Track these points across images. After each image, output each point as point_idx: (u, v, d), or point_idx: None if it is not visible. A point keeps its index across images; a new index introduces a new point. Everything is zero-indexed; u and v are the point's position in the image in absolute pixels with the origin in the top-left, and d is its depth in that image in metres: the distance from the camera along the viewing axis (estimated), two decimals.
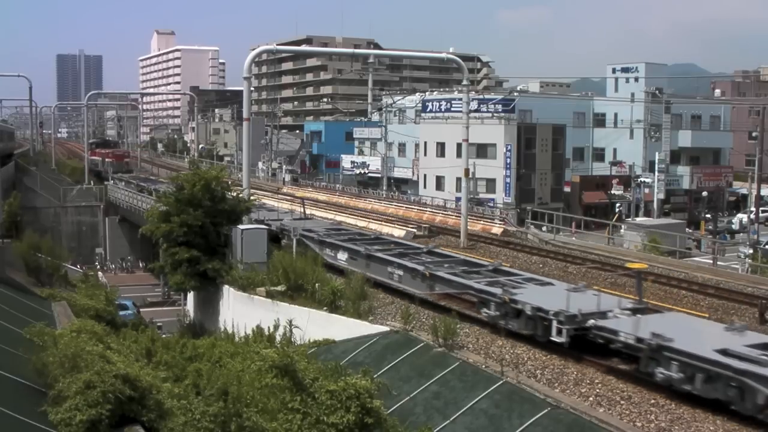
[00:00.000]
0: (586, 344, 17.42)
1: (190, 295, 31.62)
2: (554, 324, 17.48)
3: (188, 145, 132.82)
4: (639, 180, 60.72)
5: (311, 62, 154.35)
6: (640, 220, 52.11)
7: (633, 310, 18.13)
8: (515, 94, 71.93)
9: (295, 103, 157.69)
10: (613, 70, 79.58)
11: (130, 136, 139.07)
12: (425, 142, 70.29)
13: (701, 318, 20.17)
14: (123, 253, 60.27)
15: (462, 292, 21.69)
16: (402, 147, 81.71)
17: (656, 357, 15.45)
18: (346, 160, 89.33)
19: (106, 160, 75.88)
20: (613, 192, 64.56)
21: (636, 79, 75.16)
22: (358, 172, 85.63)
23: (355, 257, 25.96)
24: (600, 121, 75.43)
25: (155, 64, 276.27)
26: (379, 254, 24.91)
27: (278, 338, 19.96)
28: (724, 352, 14.84)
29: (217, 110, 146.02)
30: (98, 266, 52.92)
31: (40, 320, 16.46)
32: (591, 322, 17.08)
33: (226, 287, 26.58)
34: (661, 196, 65.16)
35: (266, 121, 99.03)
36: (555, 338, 17.46)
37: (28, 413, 11.15)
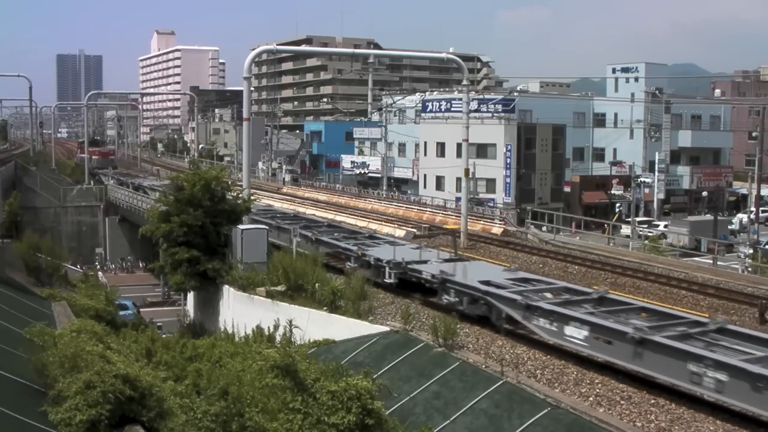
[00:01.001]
0: (409, 284, 23.46)
1: (190, 295, 31.62)
2: (387, 269, 23.73)
3: (188, 145, 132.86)
4: (639, 180, 60.73)
5: (311, 62, 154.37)
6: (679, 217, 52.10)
7: (447, 259, 24.48)
8: (515, 94, 71.94)
9: (295, 103, 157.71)
10: (613, 70, 79.61)
11: (130, 136, 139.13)
12: (425, 142, 70.33)
13: (496, 264, 26.98)
14: (123, 253, 60.26)
15: (336, 252, 28.22)
16: (402, 147, 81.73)
17: (443, 287, 21.16)
18: (346, 160, 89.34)
19: (93, 157, 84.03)
20: (613, 192, 64.58)
21: (636, 79, 75.19)
22: (358, 172, 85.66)
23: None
24: (600, 121, 75.45)
25: (155, 64, 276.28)
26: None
27: (278, 338, 19.96)
28: (486, 282, 20.28)
29: (217, 110, 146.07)
30: (98, 266, 52.89)
31: (40, 320, 16.45)
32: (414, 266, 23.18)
33: (226, 287, 26.58)
34: (661, 196, 65.22)
35: (266, 121, 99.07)
36: (387, 280, 23.78)
37: (28, 413, 11.14)
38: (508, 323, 18.93)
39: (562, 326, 17.07)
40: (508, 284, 20.33)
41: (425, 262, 23.62)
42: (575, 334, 16.70)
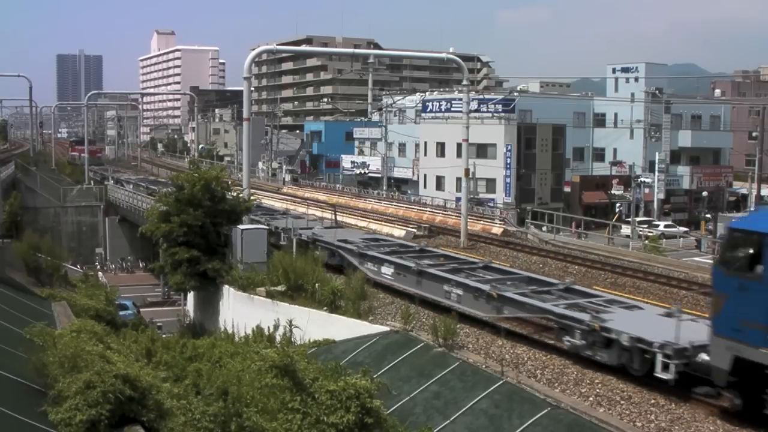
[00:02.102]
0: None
1: (190, 295, 31.63)
2: (282, 234, 32.10)
3: (188, 145, 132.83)
4: (639, 180, 60.71)
5: (311, 62, 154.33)
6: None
7: (326, 227, 33.45)
8: (515, 94, 71.94)
9: (295, 103, 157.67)
10: (613, 70, 79.59)
11: (130, 136, 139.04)
12: (425, 142, 70.32)
13: (360, 230, 35.40)
14: (123, 253, 60.26)
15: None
16: (402, 147, 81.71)
17: (314, 245, 29.36)
18: (346, 160, 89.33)
19: (82, 154, 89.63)
20: (613, 192, 64.55)
21: (636, 79, 75.16)
22: (358, 172, 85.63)
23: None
24: (600, 121, 75.42)
25: (155, 64, 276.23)
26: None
27: (278, 338, 19.96)
28: (343, 240, 28.51)
29: (217, 110, 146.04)
30: (98, 266, 52.88)
31: (40, 320, 16.45)
32: (298, 231, 31.07)
33: (226, 287, 26.58)
34: (661, 196, 65.19)
35: (266, 121, 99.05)
36: (282, 242, 31.43)
37: (28, 413, 11.14)
38: (349, 267, 26.12)
39: (379, 267, 24.89)
40: (360, 242, 28.08)
41: (309, 228, 32.16)
42: (386, 272, 24.50)
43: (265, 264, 26.50)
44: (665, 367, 15.01)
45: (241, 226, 27.82)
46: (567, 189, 66.78)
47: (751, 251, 13.92)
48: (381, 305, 23.26)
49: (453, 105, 64.71)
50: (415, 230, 38.82)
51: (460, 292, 20.74)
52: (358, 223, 41.51)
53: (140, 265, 57.99)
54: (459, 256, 26.83)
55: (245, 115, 32.85)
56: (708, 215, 59.49)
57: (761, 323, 13.21)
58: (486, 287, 19.77)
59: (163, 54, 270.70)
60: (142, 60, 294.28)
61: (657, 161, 65.08)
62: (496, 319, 19.88)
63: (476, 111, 58.70)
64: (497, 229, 40.40)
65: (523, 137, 62.56)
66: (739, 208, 70.68)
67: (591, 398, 15.66)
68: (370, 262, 25.52)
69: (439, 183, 67.21)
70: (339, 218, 37.30)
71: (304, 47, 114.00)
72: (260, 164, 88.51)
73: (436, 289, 21.76)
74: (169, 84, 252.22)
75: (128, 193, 59.37)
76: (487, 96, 69.75)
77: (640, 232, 49.28)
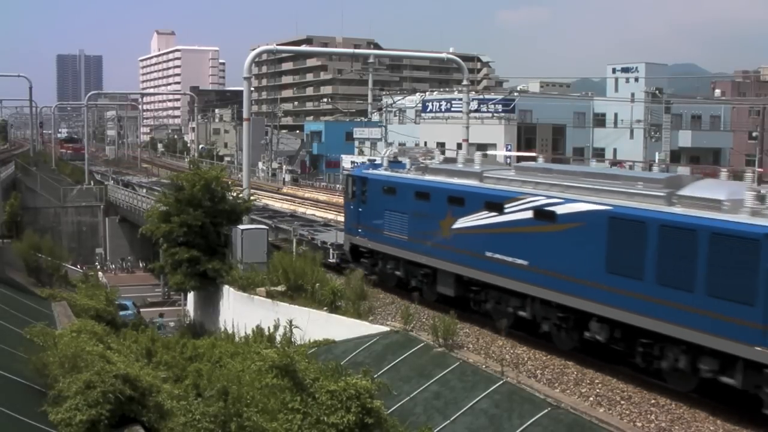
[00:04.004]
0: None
1: (190, 295, 31.64)
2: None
3: (188, 145, 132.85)
4: None
5: (311, 62, 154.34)
6: None
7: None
8: (515, 94, 71.90)
9: (295, 103, 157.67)
10: (613, 70, 79.54)
11: (130, 136, 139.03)
12: (425, 142, 70.26)
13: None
14: (123, 253, 60.28)
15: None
16: None
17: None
18: (346, 160, 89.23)
19: (68, 151, 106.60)
20: None
21: (636, 79, 75.11)
22: None
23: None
24: (600, 121, 75.37)
25: (155, 64, 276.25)
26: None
27: (278, 338, 19.96)
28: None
29: (217, 110, 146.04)
30: (98, 266, 52.91)
31: (40, 320, 16.47)
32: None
33: (226, 287, 26.59)
34: None
35: (266, 121, 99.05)
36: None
37: (28, 413, 11.15)
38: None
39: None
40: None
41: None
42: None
43: (265, 264, 26.50)
44: (333, 255, 28.87)
45: (241, 226, 27.82)
46: None
47: (357, 188, 26.21)
48: (381, 305, 23.27)
49: (453, 105, 64.72)
50: None
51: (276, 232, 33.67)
52: None
53: (140, 265, 58.02)
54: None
55: (245, 115, 32.86)
56: None
57: (355, 223, 26.34)
58: (271, 222, 34.71)
59: (163, 54, 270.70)
60: (142, 60, 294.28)
61: (657, 161, 65.08)
62: (276, 240, 32.58)
63: (476, 111, 58.73)
64: None
65: (523, 137, 62.57)
66: None
67: (591, 398, 15.67)
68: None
69: None
70: (341, 219, 37.34)
71: (304, 47, 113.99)
72: (260, 164, 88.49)
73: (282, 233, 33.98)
74: (169, 84, 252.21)
75: (128, 193, 59.35)
76: (487, 96, 69.79)
77: None
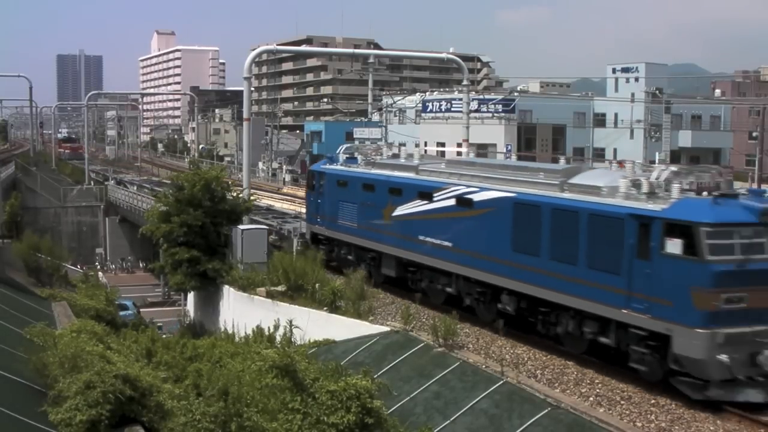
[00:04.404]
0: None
1: (190, 295, 31.63)
2: None
3: (188, 145, 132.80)
4: None
5: (311, 62, 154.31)
6: None
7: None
8: (515, 94, 71.89)
9: (295, 103, 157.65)
10: (613, 70, 79.49)
11: (130, 136, 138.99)
12: (425, 142, 70.24)
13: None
14: (123, 253, 60.27)
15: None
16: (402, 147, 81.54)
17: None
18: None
19: (66, 151, 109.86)
20: None
21: (636, 79, 75.05)
22: None
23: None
24: (600, 121, 75.32)
25: (155, 64, 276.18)
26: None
27: (278, 338, 19.96)
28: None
29: (217, 110, 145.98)
30: (98, 266, 52.90)
31: (40, 320, 16.46)
32: None
33: (226, 287, 26.58)
34: None
35: (266, 121, 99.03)
36: None
37: (28, 413, 11.15)
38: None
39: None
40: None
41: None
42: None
43: (265, 264, 26.50)
44: (297, 243, 30.59)
45: (241, 226, 27.83)
46: None
47: (316, 182, 29.03)
48: (381, 305, 23.27)
49: (453, 105, 64.65)
50: None
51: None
52: None
53: (140, 265, 58.02)
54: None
55: (245, 115, 32.86)
56: None
57: (314, 213, 29.04)
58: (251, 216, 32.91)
59: (163, 54, 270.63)
60: (142, 60, 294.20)
61: (657, 161, 65.07)
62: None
63: (476, 111, 58.65)
64: None
65: (523, 137, 62.55)
66: None
67: (591, 398, 15.67)
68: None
69: None
70: None
71: (304, 47, 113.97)
72: (260, 164, 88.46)
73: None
74: (169, 84, 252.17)
75: (128, 193, 59.36)
76: (487, 96, 69.70)
77: None
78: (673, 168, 17.51)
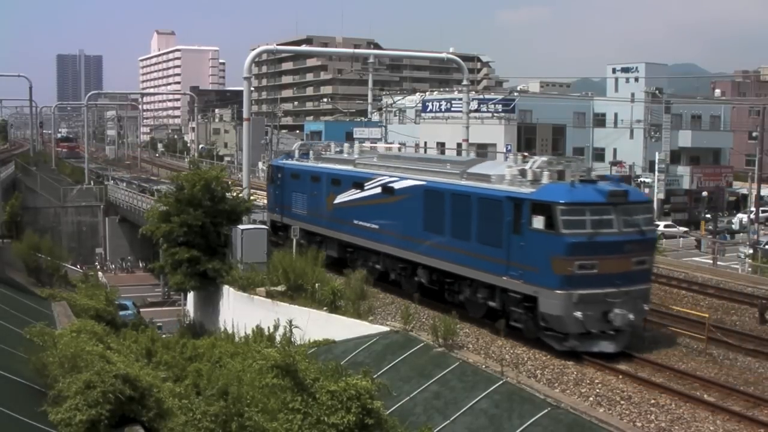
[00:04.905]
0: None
1: (190, 295, 31.62)
2: None
3: (188, 145, 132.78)
4: (639, 180, 60.69)
5: (311, 62, 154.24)
6: None
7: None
8: (515, 94, 71.89)
9: (295, 103, 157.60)
10: (613, 70, 79.49)
11: (130, 136, 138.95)
12: (425, 142, 70.24)
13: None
14: (123, 253, 60.24)
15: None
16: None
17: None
18: None
19: (63, 150, 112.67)
20: None
21: (636, 79, 75.03)
22: None
23: None
24: (600, 121, 75.33)
25: (155, 64, 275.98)
26: None
27: (278, 338, 19.94)
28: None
29: (217, 110, 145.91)
30: (98, 266, 52.89)
31: (40, 320, 16.44)
32: None
33: (226, 287, 26.58)
34: (661, 196, 65.15)
35: (266, 121, 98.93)
36: None
37: (28, 413, 11.14)
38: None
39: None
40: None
41: None
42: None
43: (265, 264, 26.50)
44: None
45: (241, 226, 27.82)
46: None
47: (275, 175, 31.89)
48: (381, 305, 23.27)
49: (453, 105, 64.65)
50: None
51: None
52: None
53: (140, 265, 57.99)
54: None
55: (245, 115, 32.88)
56: (708, 215, 59.46)
57: (273, 203, 31.93)
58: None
59: (163, 54, 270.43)
60: (142, 60, 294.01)
61: (657, 161, 65.04)
62: None
63: (476, 111, 58.67)
64: None
65: (523, 137, 62.56)
66: (739, 208, 70.65)
67: (591, 398, 15.67)
68: None
69: None
70: None
71: (304, 47, 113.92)
72: (260, 164, 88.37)
73: None
74: (169, 84, 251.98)
75: (128, 193, 59.34)
76: (487, 96, 69.71)
77: None
78: (544, 158, 20.55)
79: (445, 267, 21.52)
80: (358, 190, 25.83)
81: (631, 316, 17.92)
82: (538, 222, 18.09)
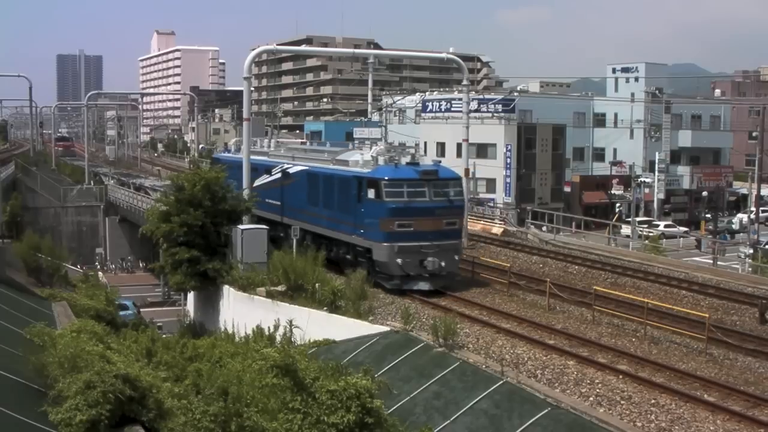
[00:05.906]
0: None
1: (190, 295, 31.62)
2: None
3: (188, 145, 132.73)
4: (639, 180, 60.64)
5: (311, 62, 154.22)
6: None
7: None
8: (515, 94, 71.86)
9: (295, 103, 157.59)
10: (613, 70, 79.54)
11: (130, 136, 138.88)
12: (425, 142, 70.15)
13: None
14: (123, 253, 60.20)
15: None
16: None
17: None
18: None
19: (59, 148, 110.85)
20: (613, 192, 64.48)
21: (636, 79, 75.12)
22: None
23: None
24: (600, 121, 75.34)
25: (155, 64, 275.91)
26: None
27: (278, 338, 19.95)
28: None
29: (217, 110, 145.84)
30: (98, 266, 52.84)
31: (40, 320, 16.43)
32: None
33: (226, 287, 26.58)
34: (661, 196, 65.20)
35: (266, 121, 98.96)
36: None
37: (28, 413, 11.14)
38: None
39: None
40: None
41: None
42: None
43: (265, 264, 26.50)
44: None
45: (241, 226, 27.83)
46: (567, 189, 66.72)
47: (217, 165, 33.43)
48: (381, 305, 23.27)
49: (453, 105, 64.62)
50: None
51: None
52: None
53: (140, 265, 57.95)
54: None
55: (245, 115, 32.85)
56: (708, 215, 59.43)
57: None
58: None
59: (163, 54, 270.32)
60: (142, 60, 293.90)
61: (657, 161, 65.08)
62: None
63: (476, 111, 58.61)
64: (497, 229, 40.40)
65: (523, 137, 62.48)
66: (740, 208, 70.65)
67: (591, 398, 15.67)
68: None
69: None
70: None
71: (304, 47, 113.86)
72: None
73: None
74: (169, 84, 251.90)
75: (128, 193, 59.34)
76: (487, 96, 69.68)
77: (640, 232, 49.26)
78: (382, 147, 27.54)
79: (320, 231, 28.45)
80: (268, 175, 32.56)
81: (443, 263, 24.33)
82: (371, 193, 24.76)
